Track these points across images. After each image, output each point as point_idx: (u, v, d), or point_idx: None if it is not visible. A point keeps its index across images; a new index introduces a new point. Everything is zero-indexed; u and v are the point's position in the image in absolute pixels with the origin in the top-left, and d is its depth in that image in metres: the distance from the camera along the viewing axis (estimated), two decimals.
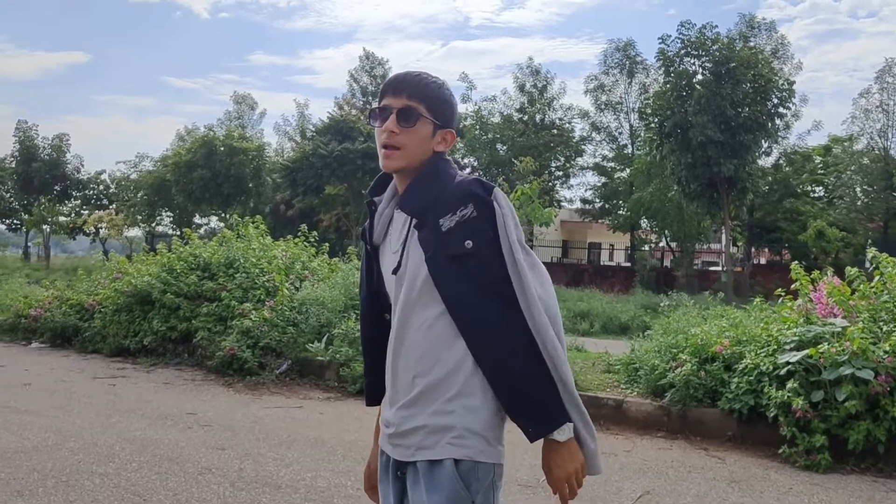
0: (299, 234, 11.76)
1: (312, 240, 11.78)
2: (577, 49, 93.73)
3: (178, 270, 10.22)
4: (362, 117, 41.88)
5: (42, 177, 39.57)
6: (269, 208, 39.33)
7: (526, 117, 35.57)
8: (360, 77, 46.50)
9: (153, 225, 42.52)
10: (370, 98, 46.03)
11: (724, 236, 28.45)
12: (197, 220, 42.88)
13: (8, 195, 41.76)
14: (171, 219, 42.60)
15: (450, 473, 1.81)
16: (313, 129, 40.63)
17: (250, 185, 35.51)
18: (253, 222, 11.63)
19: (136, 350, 9.79)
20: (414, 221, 1.90)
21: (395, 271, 1.91)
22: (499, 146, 35.32)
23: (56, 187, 40.65)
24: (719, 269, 35.01)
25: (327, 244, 12.55)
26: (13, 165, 40.70)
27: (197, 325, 9.46)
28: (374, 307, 2.08)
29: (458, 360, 1.85)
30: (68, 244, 49.20)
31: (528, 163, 25.11)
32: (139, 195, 39.57)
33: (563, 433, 1.84)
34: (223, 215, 37.75)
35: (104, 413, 6.67)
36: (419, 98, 1.93)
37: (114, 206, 41.16)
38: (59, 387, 7.88)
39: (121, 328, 10.09)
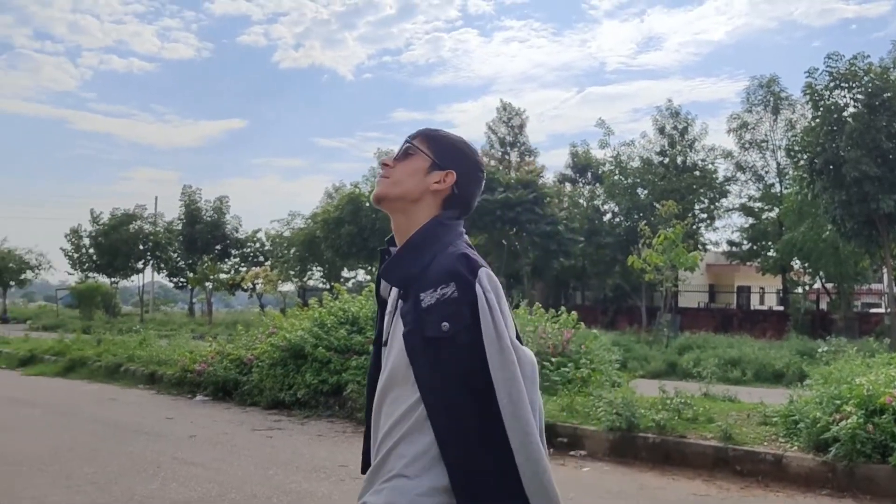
0: None
1: None
2: (717, 88, 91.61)
3: (329, 325, 10.63)
4: (501, 167, 42.35)
5: (205, 237, 42.55)
6: None
7: (667, 160, 34.82)
8: (498, 128, 47.07)
9: (305, 279, 44.38)
10: (508, 148, 46.54)
11: (885, 276, 26.59)
12: (345, 273, 44.45)
13: (175, 255, 44.90)
14: (322, 273, 44.32)
15: None
16: None
17: None
18: None
19: (291, 403, 10.21)
20: (400, 291, 1.80)
21: (385, 342, 1.83)
22: (639, 191, 34.65)
23: (217, 247, 43.45)
24: (881, 311, 32.69)
25: None
26: (180, 227, 43.99)
27: (347, 378, 9.78)
28: (378, 365, 1.92)
29: (427, 445, 1.70)
30: (229, 300, 51.98)
31: (671, 206, 24.51)
32: (291, 251, 41.51)
33: None
34: (370, 269, 38.92)
35: (262, 465, 6.99)
36: (422, 138, 1.89)
37: (269, 262, 43.27)
38: (221, 439, 8.33)
39: (276, 382, 10.56)
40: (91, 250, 42.14)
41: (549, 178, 43.40)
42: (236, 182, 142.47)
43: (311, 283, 45.10)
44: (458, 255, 1.73)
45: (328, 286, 46.21)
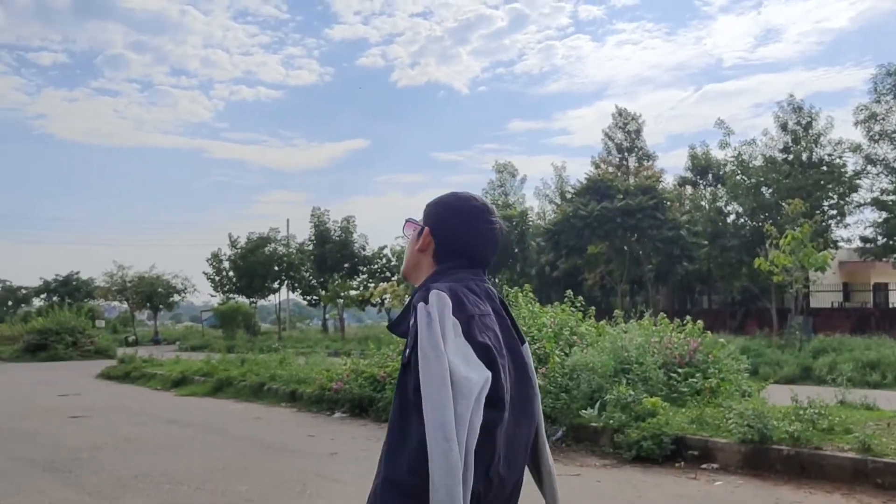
0: (565, 299, 12.12)
1: (578, 304, 12.09)
2: (842, 77, 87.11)
3: None
4: (619, 174, 41.85)
5: (334, 256, 44.26)
6: (534, 271, 40.32)
7: (791, 157, 33.48)
8: (615, 134, 46.59)
9: None
10: (625, 154, 45.95)
11: None
12: None
13: (308, 275, 46.81)
14: None
15: None
16: (572, 191, 41.30)
17: (515, 250, 36.77)
18: (521, 290, 12.16)
19: None
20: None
21: None
22: (764, 190, 33.41)
23: (346, 265, 45.05)
24: None
25: (593, 308, 12.76)
26: (311, 248, 45.90)
27: None
28: None
29: None
30: (359, 315, 53.61)
31: (798, 205, 23.68)
32: None
33: None
34: (494, 281, 39.26)
35: None
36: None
37: (395, 277, 44.38)
38: (361, 455, 8.77)
39: None
40: (231, 273, 44.59)
41: (668, 181, 42.60)
42: (360, 200, 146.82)
43: None
44: (421, 290, 1.84)
45: None
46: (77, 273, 59.45)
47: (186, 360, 20.86)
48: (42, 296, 59.37)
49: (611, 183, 35.80)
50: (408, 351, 1.76)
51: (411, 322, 1.78)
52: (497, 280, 38.89)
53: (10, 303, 65.60)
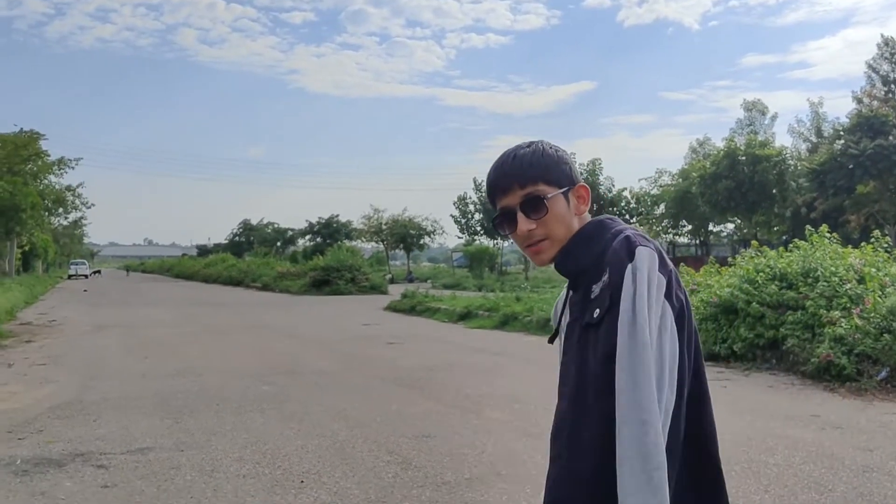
0: (872, 240, 11.75)
1: (885, 245, 11.68)
2: None
3: (759, 281, 11.04)
4: (888, 108, 38.50)
5: None
6: (789, 212, 38.44)
7: None
8: (879, 66, 42.70)
9: (674, 235, 44.44)
10: (892, 87, 41.99)
11: None
12: (711, 227, 43.87)
13: None
14: (690, 229, 44.06)
15: None
16: (833, 129, 38.66)
17: (774, 190, 35.24)
18: (828, 233, 11.90)
19: (727, 355, 10.85)
20: (570, 283, 1.69)
21: (549, 340, 1.77)
22: None
23: (594, 206, 45.49)
24: None
25: None
26: None
27: (784, 333, 10.16)
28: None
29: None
30: None
31: None
32: (661, 207, 41.91)
33: None
34: (748, 222, 37.93)
35: (735, 412, 7.62)
36: (531, 179, 1.63)
37: (635, 219, 44.14)
38: None
39: (709, 336, 11.27)
40: (476, 215, 46.49)
41: None
42: (585, 142, 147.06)
43: (680, 238, 45.10)
44: (620, 240, 1.57)
45: (696, 241, 45.76)
46: (337, 216, 64.00)
47: (461, 296, 22.32)
48: (307, 237, 64.93)
49: (885, 118, 33.11)
50: (598, 311, 1.53)
51: (606, 278, 1.54)
52: (753, 222, 37.51)
53: (279, 243, 72.68)
